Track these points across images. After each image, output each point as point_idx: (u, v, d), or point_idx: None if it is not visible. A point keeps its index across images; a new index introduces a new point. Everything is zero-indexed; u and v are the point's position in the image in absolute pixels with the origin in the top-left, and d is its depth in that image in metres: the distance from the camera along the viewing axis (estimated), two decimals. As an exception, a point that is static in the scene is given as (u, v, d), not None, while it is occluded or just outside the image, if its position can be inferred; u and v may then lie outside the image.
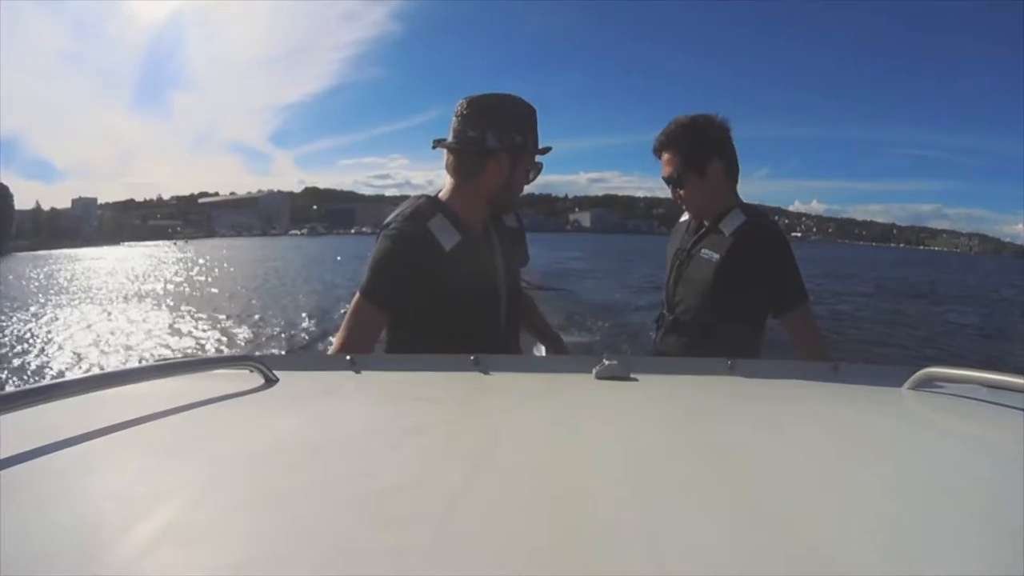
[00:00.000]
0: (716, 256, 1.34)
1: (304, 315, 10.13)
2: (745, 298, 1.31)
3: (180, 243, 70.84)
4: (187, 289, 15.94)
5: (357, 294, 1.10)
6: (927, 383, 0.72)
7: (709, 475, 0.43)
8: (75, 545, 0.31)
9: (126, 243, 79.16)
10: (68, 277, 22.10)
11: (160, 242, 78.43)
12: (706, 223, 1.41)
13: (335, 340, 1.09)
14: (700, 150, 1.36)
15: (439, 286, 1.07)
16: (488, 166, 1.12)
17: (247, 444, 0.49)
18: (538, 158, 1.18)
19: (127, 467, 0.43)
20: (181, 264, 28.74)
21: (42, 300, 13.91)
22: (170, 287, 16.64)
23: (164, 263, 30.33)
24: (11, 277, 23.28)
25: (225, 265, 26.90)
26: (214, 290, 15.20)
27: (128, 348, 8.28)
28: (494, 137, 1.11)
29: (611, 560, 0.30)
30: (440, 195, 1.16)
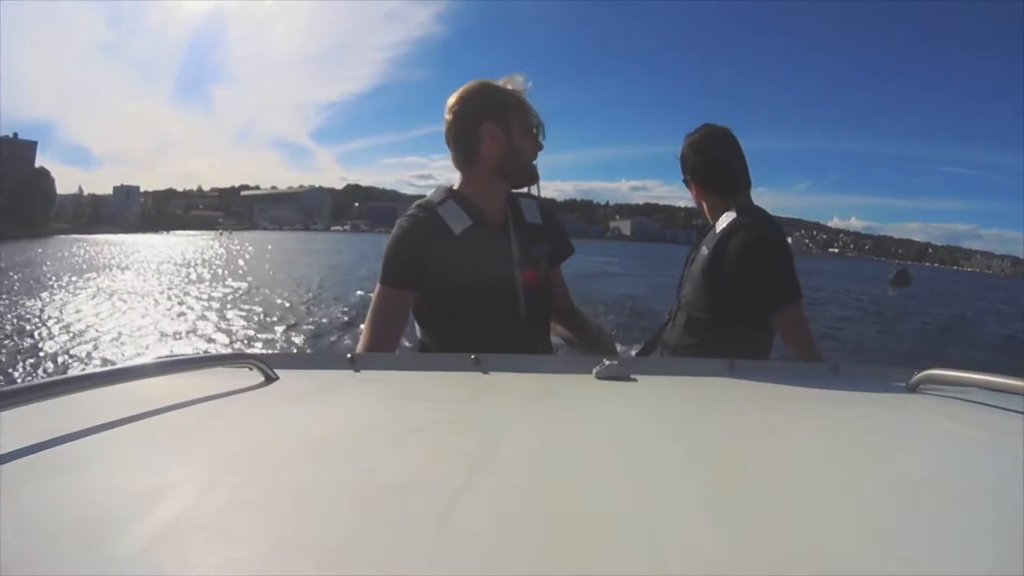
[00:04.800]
0: (706, 252, 1.40)
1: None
2: (731, 292, 1.34)
3: (225, 234, 69.96)
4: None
5: (378, 285, 1.13)
6: (927, 385, 0.72)
7: (709, 475, 0.43)
8: (76, 541, 0.31)
9: (174, 232, 78.71)
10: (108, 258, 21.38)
11: (203, 232, 77.75)
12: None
13: (363, 333, 1.12)
14: (681, 165, 1.54)
15: (450, 268, 1.10)
16: (482, 138, 1.14)
17: (247, 442, 0.49)
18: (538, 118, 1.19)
19: (128, 464, 0.43)
20: (278, 256, 27.61)
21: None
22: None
23: (246, 253, 29.32)
24: (112, 257, 22.52)
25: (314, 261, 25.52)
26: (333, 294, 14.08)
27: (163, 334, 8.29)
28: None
29: (611, 560, 0.30)
30: (454, 186, 1.19)
